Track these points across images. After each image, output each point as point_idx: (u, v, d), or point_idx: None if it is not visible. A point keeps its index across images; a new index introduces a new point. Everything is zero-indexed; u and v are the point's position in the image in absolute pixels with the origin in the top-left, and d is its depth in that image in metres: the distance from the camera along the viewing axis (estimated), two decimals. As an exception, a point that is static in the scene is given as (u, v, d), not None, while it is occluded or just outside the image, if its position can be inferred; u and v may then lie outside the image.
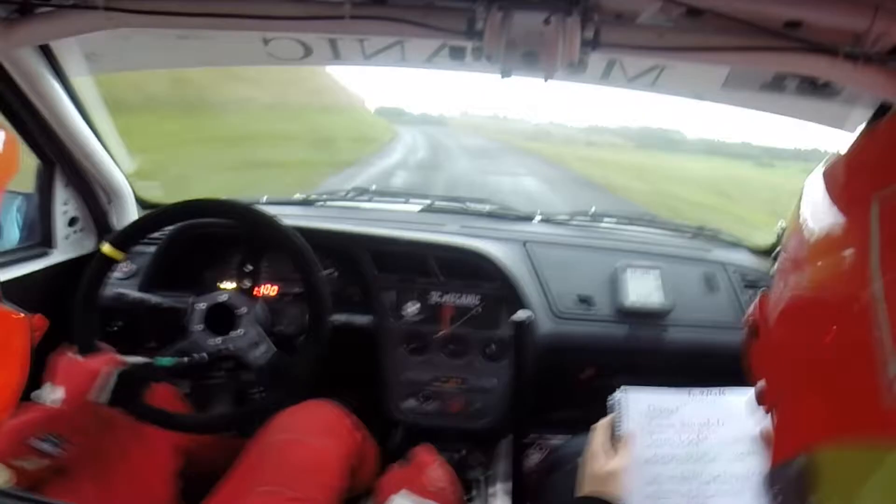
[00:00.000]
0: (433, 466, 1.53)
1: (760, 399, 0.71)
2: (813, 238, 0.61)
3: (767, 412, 0.69)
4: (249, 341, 1.58)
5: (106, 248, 1.53)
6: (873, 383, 0.48)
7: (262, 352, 1.59)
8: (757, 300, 0.72)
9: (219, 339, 1.58)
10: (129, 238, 1.58)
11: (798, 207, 0.65)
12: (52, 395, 1.34)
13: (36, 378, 1.29)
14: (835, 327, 0.54)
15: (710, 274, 2.05)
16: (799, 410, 0.61)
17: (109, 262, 1.55)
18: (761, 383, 0.71)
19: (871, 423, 0.50)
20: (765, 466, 0.68)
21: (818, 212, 0.60)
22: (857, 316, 0.50)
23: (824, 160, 0.64)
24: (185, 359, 1.56)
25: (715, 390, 1.22)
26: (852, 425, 0.52)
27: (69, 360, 1.42)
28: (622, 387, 1.25)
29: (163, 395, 1.61)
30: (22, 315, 1.12)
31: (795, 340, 0.62)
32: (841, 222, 0.57)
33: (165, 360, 1.54)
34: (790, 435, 0.64)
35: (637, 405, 1.23)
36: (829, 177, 0.62)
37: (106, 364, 1.43)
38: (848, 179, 0.60)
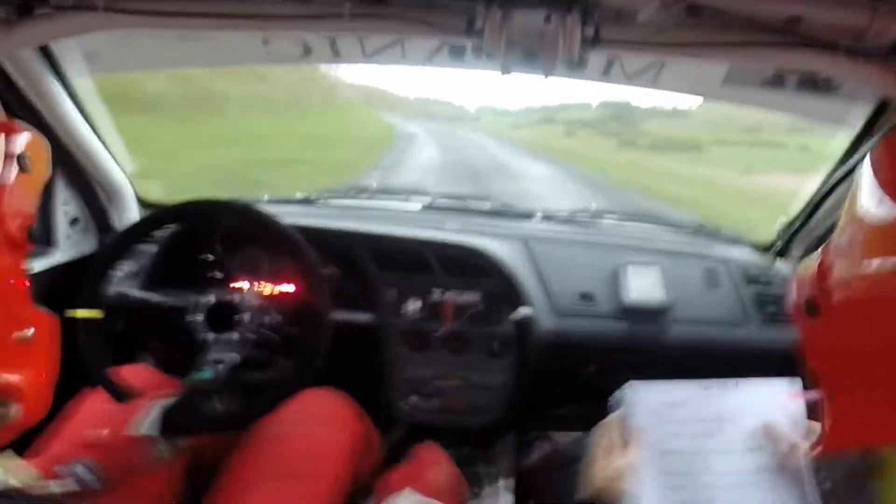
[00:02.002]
0: (437, 464, 1.54)
1: (816, 383, 0.69)
2: (875, 227, 0.59)
3: (822, 398, 0.67)
4: (215, 357, 1.57)
5: (82, 312, 1.49)
6: None
7: (229, 361, 1.57)
8: (810, 280, 0.70)
9: (205, 331, 1.57)
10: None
11: (852, 192, 0.63)
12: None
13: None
14: None
15: (711, 270, 2.05)
16: (864, 402, 0.60)
17: (89, 323, 1.51)
18: (816, 367, 0.69)
19: None
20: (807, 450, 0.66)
21: (874, 201, 0.59)
22: None
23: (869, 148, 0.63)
24: (220, 365, 1.55)
25: (728, 383, 1.21)
26: None
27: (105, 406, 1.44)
28: (630, 382, 1.25)
29: (170, 389, 1.60)
30: (54, 315, 1.13)
31: (868, 332, 0.60)
32: None
33: (205, 374, 1.53)
34: (852, 426, 0.62)
35: (647, 400, 1.23)
36: (877, 163, 0.61)
37: (149, 400, 1.43)
38: None
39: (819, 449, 0.67)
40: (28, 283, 1.12)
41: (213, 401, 1.50)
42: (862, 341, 0.62)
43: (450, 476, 1.54)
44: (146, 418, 1.39)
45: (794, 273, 0.73)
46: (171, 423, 1.41)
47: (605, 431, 1.22)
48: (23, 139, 1.08)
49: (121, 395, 1.48)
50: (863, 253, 0.61)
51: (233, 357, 1.58)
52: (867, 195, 0.60)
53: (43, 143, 1.13)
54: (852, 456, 0.61)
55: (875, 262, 0.59)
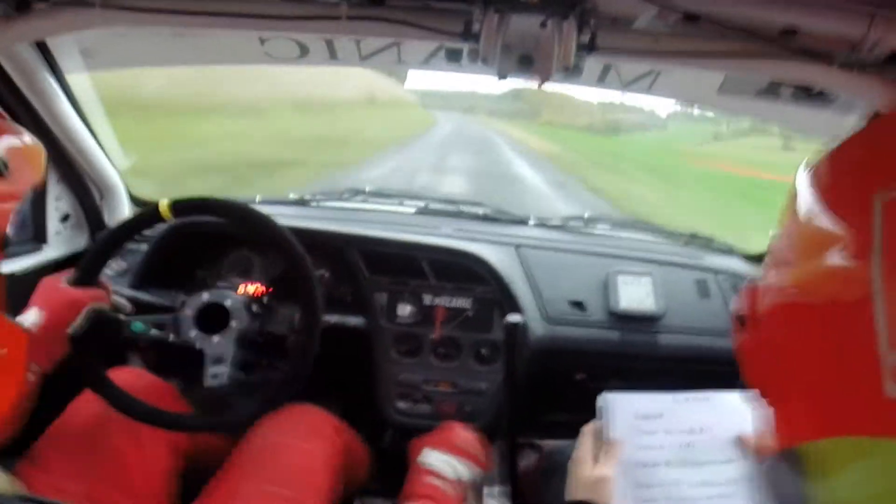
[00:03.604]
0: (461, 428, 1.55)
1: (755, 396, 0.71)
2: (806, 235, 0.61)
3: (764, 409, 0.69)
4: (216, 356, 1.56)
5: (164, 203, 1.50)
6: (874, 374, 0.49)
7: (214, 373, 1.56)
8: (745, 292, 0.72)
9: (194, 333, 1.57)
10: (187, 209, 1.55)
11: (789, 202, 0.65)
12: (30, 317, 1.35)
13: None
14: (831, 326, 0.55)
15: (702, 280, 2.05)
16: (792, 407, 0.61)
17: (157, 218, 1.52)
18: (752, 373, 0.71)
19: (874, 414, 0.50)
20: (755, 465, 0.69)
21: (811, 209, 0.60)
22: (855, 314, 0.51)
23: (811, 157, 0.64)
24: (154, 331, 1.55)
25: (701, 394, 1.22)
26: (850, 417, 0.53)
27: (55, 286, 1.43)
28: (604, 392, 1.25)
29: (158, 393, 1.60)
30: (20, 327, 1.11)
31: (789, 338, 0.62)
32: (837, 222, 0.57)
33: (137, 325, 1.53)
34: (785, 430, 0.64)
35: (622, 410, 1.23)
36: (817, 174, 0.62)
37: (91, 299, 1.44)
38: (841, 179, 0.60)
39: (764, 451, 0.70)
40: (2, 297, 1.10)
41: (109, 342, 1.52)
42: (780, 345, 0.64)
43: (475, 439, 1.55)
44: (79, 320, 1.40)
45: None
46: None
47: (581, 442, 1.23)
48: (3, 143, 1.06)
49: (87, 277, 1.48)
50: (789, 260, 0.63)
51: (166, 336, 1.58)
52: (807, 204, 0.62)
53: (31, 148, 1.11)
54: (785, 460, 0.62)
55: (804, 263, 0.60)
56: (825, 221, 0.58)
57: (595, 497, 1.12)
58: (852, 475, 0.53)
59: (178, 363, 1.78)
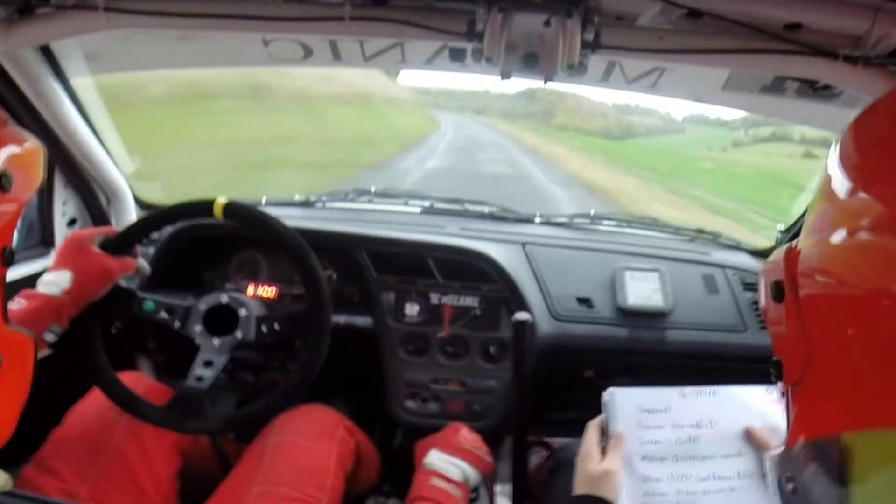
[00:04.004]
0: (466, 430, 1.56)
1: (780, 373, 0.68)
2: (840, 210, 0.60)
3: (786, 387, 0.67)
4: (208, 357, 1.56)
5: (221, 203, 1.50)
6: None
7: (200, 374, 1.55)
8: (782, 259, 0.69)
9: (198, 328, 1.57)
10: (238, 213, 1.55)
11: (823, 176, 0.63)
12: (59, 278, 1.36)
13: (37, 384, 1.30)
14: (867, 310, 0.54)
15: (709, 276, 2.05)
16: (831, 385, 0.59)
17: (207, 212, 1.52)
18: (782, 356, 0.69)
19: None
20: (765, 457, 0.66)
21: (842, 187, 0.59)
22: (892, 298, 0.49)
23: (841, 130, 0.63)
24: (164, 315, 1.56)
25: (708, 388, 1.22)
26: (885, 409, 0.51)
27: (87, 248, 1.44)
28: (609, 388, 1.25)
29: (161, 396, 1.60)
30: (29, 335, 1.11)
31: (825, 322, 0.60)
32: (869, 197, 0.56)
33: (148, 304, 1.54)
34: (817, 413, 0.62)
35: (626, 404, 1.24)
36: (845, 149, 0.61)
37: (122, 270, 1.46)
38: (868, 152, 0.59)
39: (781, 446, 0.67)
40: (2, 307, 1.10)
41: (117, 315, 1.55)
42: (826, 319, 0.61)
43: (478, 442, 1.56)
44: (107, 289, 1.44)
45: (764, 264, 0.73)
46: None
47: (587, 437, 1.23)
48: (2, 153, 1.06)
49: (123, 245, 1.49)
50: (828, 231, 0.61)
51: (171, 320, 1.59)
52: (835, 178, 0.60)
53: (31, 153, 1.11)
54: (818, 456, 0.60)
55: (837, 236, 0.59)
56: (853, 195, 0.57)
57: (601, 491, 1.12)
58: (886, 475, 0.51)
59: (185, 365, 1.79)
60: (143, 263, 1.58)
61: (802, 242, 0.66)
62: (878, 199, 0.55)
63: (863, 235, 0.55)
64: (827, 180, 0.62)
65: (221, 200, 1.49)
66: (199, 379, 1.52)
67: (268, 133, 15.46)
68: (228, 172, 10.64)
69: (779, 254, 0.69)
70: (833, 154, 0.62)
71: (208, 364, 1.54)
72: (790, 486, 0.65)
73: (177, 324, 1.57)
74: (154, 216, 1.54)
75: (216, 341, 1.56)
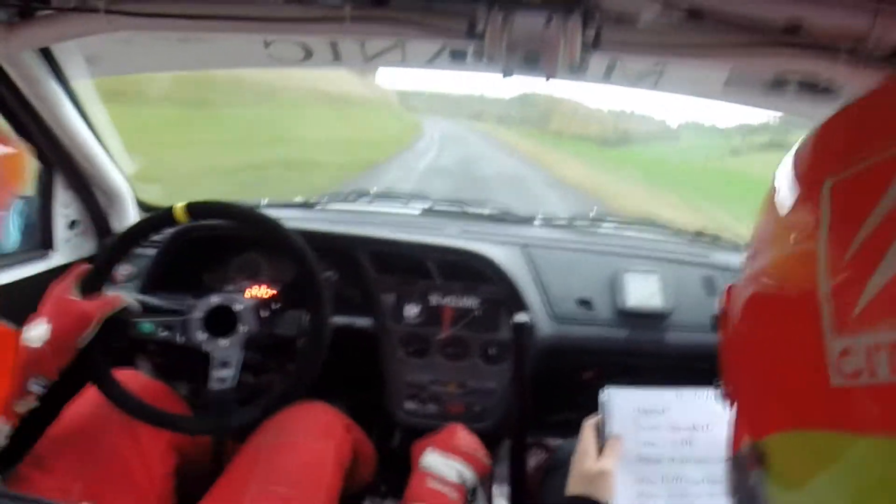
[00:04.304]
0: (464, 431, 1.57)
1: (724, 393, 0.71)
2: (771, 225, 0.61)
3: (729, 406, 0.69)
4: (223, 360, 1.56)
5: (180, 206, 1.50)
6: (821, 363, 0.48)
7: (220, 377, 1.56)
8: (725, 292, 0.72)
9: (203, 336, 1.57)
10: (202, 212, 1.56)
11: (768, 195, 0.64)
12: (37, 331, 1.35)
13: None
14: (783, 314, 0.55)
15: (709, 277, 2.05)
16: (751, 401, 0.61)
17: (171, 221, 1.53)
18: (724, 377, 0.71)
19: (821, 406, 0.50)
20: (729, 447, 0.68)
21: (780, 197, 0.60)
22: (804, 301, 0.50)
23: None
24: (162, 332, 1.55)
25: (704, 391, 1.22)
26: (800, 409, 0.52)
27: (64, 297, 1.43)
28: (607, 388, 1.25)
29: (160, 397, 1.60)
30: (10, 327, 1.12)
31: (749, 331, 0.62)
32: (795, 208, 0.56)
33: (145, 326, 1.53)
34: (742, 427, 0.64)
35: (623, 405, 1.24)
36: (796, 158, 0.62)
37: (100, 309, 1.44)
38: (810, 161, 0.60)
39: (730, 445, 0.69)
40: None
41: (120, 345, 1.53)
42: (742, 340, 0.64)
43: (476, 443, 1.56)
44: (89, 333, 1.41)
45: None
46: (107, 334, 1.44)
47: (583, 437, 1.23)
48: None
49: (96, 284, 1.49)
50: (758, 251, 0.62)
51: (173, 337, 1.58)
52: (781, 191, 0.61)
53: (15, 157, 1.11)
54: (741, 457, 0.62)
55: (771, 252, 0.60)
56: (784, 209, 0.58)
57: (595, 492, 1.13)
58: (804, 473, 0.52)
59: (185, 366, 1.78)
60: (128, 300, 1.56)
61: (745, 267, 0.68)
62: (796, 209, 0.56)
63: (783, 247, 0.57)
64: (772, 194, 0.63)
65: (180, 204, 1.49)
66: (222, 381, 1.53)
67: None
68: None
69: (723, 290, 0.73)
70: (786, 164, 0.63)
71: (225, 365, 1.54)
72: (737, 495, 0.67)
73: (180, 338, 1.57)
74: (118, 242, 1.54)
75: (223, 342, 1.56)
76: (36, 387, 1.32)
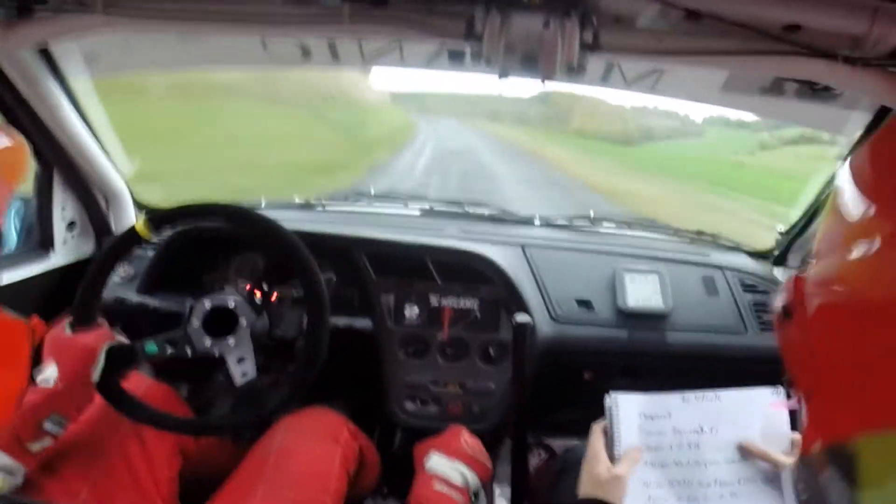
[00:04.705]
0: (467, 433, 1.58)
1: (793, 385, 0.70)
2: (849, 228, 0.60)
3: (799, 400, 0.67)
4: (238, 355, 1.56)
5: (140, 223, 1.50)
6: None
7: (242, 371, 1.56)
8: (791, 281, 0.71)
9: (209, 341, 1.56)
10: (163, 220, 1.55)
11: (832, 197, 0.64)
12: (47, 373, 1.35)
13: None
14: (873, 319, 0.54)
15: (708, 277, 2.05)
16: (832, 405, 0.60)
17: (136, 239, 1.52)
18: (793, 370, 0.70)
19: None
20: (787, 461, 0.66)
21: (853, 203, 0.59)
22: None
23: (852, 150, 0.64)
24: (170, 349, 1.55)
25: (710, 394, 1.22)
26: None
27: (60, 336, 1.43)
28: (611, 392, 1.25)
29: (161, 397, 1.60)
30: (22, 321, 1.11)
31: (837, 331, 0.61)
32: (879, 214, 0.56)
33: (150, 347, 1.53)
34: (817, 428, 0.63)
35: (629, 410, 1.24)
36: (857, 168, 0.61)
37: (99, 340, 1.43)
38: (882, 172, 0.59)
39: (798, 455, 0.68)
40: None
41: (129, 370, 1.51)
42: (829, 335, 0.62)
43: (478, 446, 1.56)
44: (99, 365, 1.40)
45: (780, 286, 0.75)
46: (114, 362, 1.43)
47: (592, 440, 1.23)
48: None
49: (85, 318, 1.48)
50: (837, 253, 0.61)
51: (183, 351, 1.56)
52: (847, 199, 0.60)
53: (16, 148, 1.11)
54: (832, 462, 0.61)
55: (846, 256, 0.59)
56: (868, 214, 0.57)
57: (608, 496, 1.13)
58: None
59: (186, 367, 1.78)
60: (118, 336, 1.55)
61: (812, 264, 0.67)
62: (889, 216, 0.55)
63: (875, 250, 0.55)
64: (838, 200, 0.62)
65: (140, 220, 1.49)
66: (245, 374, 1.53)
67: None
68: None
69: (788, 281, 0.71)
70: (845, 174, 0.62)
71: (242, 360, 1.55)
72: (805, 494, 0.66)
73: (189, 352, 1.57)
74: (94, 272, 1.52)
75: (231, 340, 1.56)
76: (52, 427, 1.32)
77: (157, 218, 1.51)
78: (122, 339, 1.52)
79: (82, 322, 1.46)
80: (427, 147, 20.10)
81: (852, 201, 0.59)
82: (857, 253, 0.57)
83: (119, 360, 1.45)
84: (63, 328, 1.45)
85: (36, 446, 1.30)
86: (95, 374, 1.39)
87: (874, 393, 0.54)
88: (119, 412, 1.46)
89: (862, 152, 0.61)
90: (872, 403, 0.55)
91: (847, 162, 0.62)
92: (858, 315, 0.57)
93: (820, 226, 0.66)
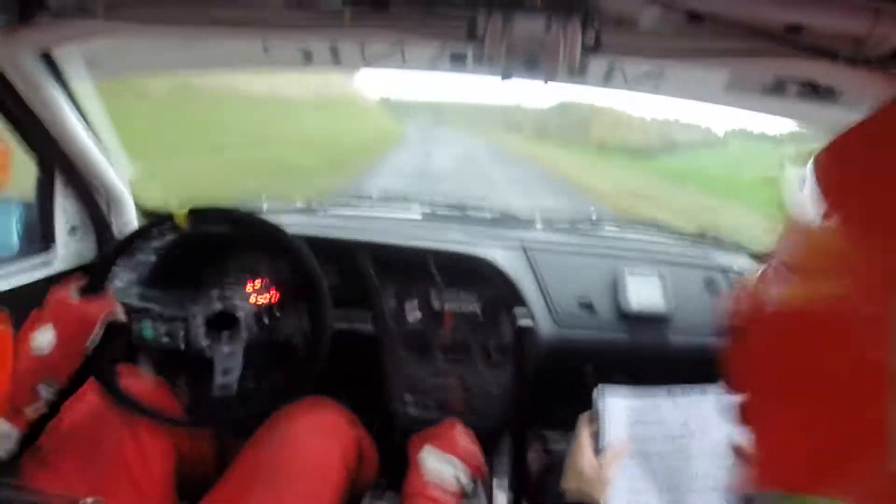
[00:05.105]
0: (461, 429, 1.58)
1: (741, 414, 0.66)
2: (813, 248, 0.55)
3: (747, 429, 0.64)
4: (225, 366, 1.57)
5: (182, 211, 1.51)
6: (879, 439, 0.45)
7: (223, 383, 1.56)
8: (742, 298, 0.67)
9: (205, 341, 1.57)
10: (204, 217, 1.55)
11: (789, 205, 0.60)
12: (44, 336, 1.37)
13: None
14: (837, 349, 0.50)
15: (711, 279, 2.04)
16: (787, 437, 0.55)
17: (171, 225, 1.54)
18: (741, 396, 0.66)
19: (871, 485, 0.46)
20: (743, 482, 0.63)
21: (816, 216, 0.55)
22: (868, 366, 0.46)
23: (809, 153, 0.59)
24: (165, 339, 1.55)
25: (696, 389, 1.22)
26: (848, 480, 0.49)
27: (66, 301, 1.45)
28: (600, 385, 1.26)
29: (157, 394, 1.61)
30: (8, 329, 1.12)
31: (788, 356, 0.56)
32: (848, 244, 0.51)
33: (147, 331, 1.53)
34: (774, 464, 0.59)
35: (616, 404, 1.24)
36: (822, 174, 0.57)
37: (103, 312, 1.45)
38: (844, 186, 0.55)
39: (745, 480, 0.64)
40: None
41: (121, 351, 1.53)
42: (777, 362, 0.58)
43: (472, 442, 1.56)
44: (96, 336, 1.42)
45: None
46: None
47: (578, 433, 1.24)
48: None
49: (97, 286, 1.49)
50: (793, 272, 0.57)
51: (177, 345, 1.58)
52: (806, 202, 0.56)
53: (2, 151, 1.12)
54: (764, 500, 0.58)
55: (802, 285, 0.55)
56: (836, 238, 0.53)
57: (590, 489, 1.14)
58: None
59: (185, 365, 1.78)
60: (119, 312, 1.57)
61: (766, 277, 0.63)
62: (857, 247, 0.51)
63: (836, 284, 0.51)
64: (793, 203, 0.58)
65: (183, 210, 1.50)
66: (224, 388, 1.56)
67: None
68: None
69: (739, 293, 0.68)
70: (806, 180, 0.58)
71: (227, 372, 1.56)
72: None
73: (182, 344, 1.57)
74: (117, 245, 1.55)
75: (226, 348, 1.56)
76: (45, 391, 1.33)
77: (198, 212, 1.55)
78: (122, 316, 1.53)
79: (93, 287, 1.47)
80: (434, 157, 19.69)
81: (818, 215, 0.54)
82: (823, 283, 0.53)
83: (115, 336, 1.46)
84: (69, 292, 1.46)
85: (30, 409, 1.32)
86: (90, 345, 1.40)
87: (832, 454, 0.51)
88: (103, 389, 1.47)
89: (826, 157, 0.56)
90: (828, 466, 0.51)
91: (808, 167, 0.58)
92: (818, 353, 0.52)
93: (781, 235, 0.61)
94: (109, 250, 1.53)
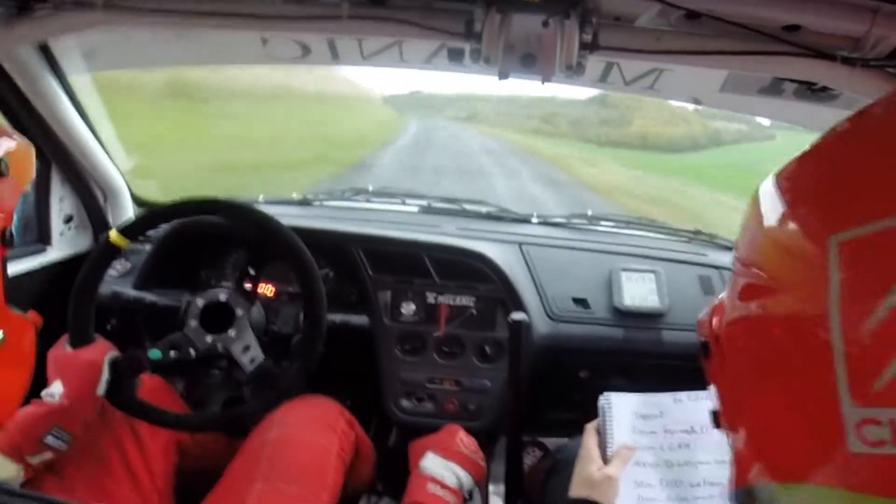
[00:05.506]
0: (463, 433, 1.58)
1: (716, 418, 0.68)
2: (768, 257, 0.57)
3: (724, 432, 0.66)
4: (242, 344, 1.57)
5: (113, 234, 1.49)
6: (837, 428, 0.47)
7: (250, 358, 1.57)
8: (711, 310, 0.70)
9: (210, 338, 1.57)
10: (137, 228, 1.55)
11: (751, 214, 0.60)
12: (54, 389, 1.35)
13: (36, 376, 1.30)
14: (794, 370, 0.52)
15: (705, 276, 2.05)
16: (770, 429, 0.57)
17: (113, 251, 1.52)
18: (717, 402, 0.67)
19: (835, 468, 0.48)
20: (741, 479, 0.64)
21: (773, 230, 0.55)
22: (816, 353, 0.48)
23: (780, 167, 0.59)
24: (173, 353, 1.55)
25: (702, 394, 1.22)
26: (813, 467, 0.51)
27: (62, 353, 1.43)
28: (605, 393, 1.26)
29: (157, 393, 1.61)
30: (28, 318, 1.12)
31: (748, 365, 0.59)
32: (797, 252, 0.53)
33: (154, 353, 1.53)
34: (746, 462, 0.61)
35: (621, 411, 1.24)
36: (784, 190, 0.57)
37: (101, 355, 1.43)
38: (803, 205, 0.55)
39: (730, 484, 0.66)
40: (1, 287, 1.11)
41: (138, 380, 1.50)
42: (743, 380, 0.60)
43: (474, 446, 1.56)
44: (104, 378, 1.40)
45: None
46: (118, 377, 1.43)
47: (585, 440, 1.24)
48: (2, 145, 1.07)
49: (82, 335, 1.48)
50: (749, 283, 0.58)
51: (187, 352, 1.57)
52: (770, 219, 0.57)
53: (25, 149, 1.12)
54: (749, 497, 0.60)
55: (746, 293, 0.58)
56: (787, 247, 0.55)
57: (600, 496, 1.13)
58: None
59: (202, 366, 1.79)
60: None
61: (728, 294, 0.64)
62: (801, 260, 0.53)
63: (785, 297, 0.53)
64: (759, 211, 0.59)
65: (113, 232, 1.50)
66: (253, 361, 1.55)
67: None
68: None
69: (706, 313, 0.69)
70: (770, 191, 0.58)
71: (247, 348, 1.56)
72: None
73: (192, 353, 1.57)
74: (78, 293, 1.50)
75: (232, 332, 1.56)
76: (54, 441, 1.32)
77: (127, 228, 1.51)
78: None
79: (80, 343, 1.45)
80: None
81: (778, 232, 0.55)
82: (777, 287, 0.54)
83: (125, 371, 1.45)
84: (63, 346, 1.44)
85: (35, 460, 1.30)
86: (101, 388, 1.39)
87: (799, 444, 0.53)
88: (142, 420, 1.48)
89: (793, 171, 0.57)
90: (798, 454, 0.53)
91: (773, 178, 0.58)
92: (775, 352, 0.53)
93: (742, 244, 0.62)
94: (74, 300, 1.50)
